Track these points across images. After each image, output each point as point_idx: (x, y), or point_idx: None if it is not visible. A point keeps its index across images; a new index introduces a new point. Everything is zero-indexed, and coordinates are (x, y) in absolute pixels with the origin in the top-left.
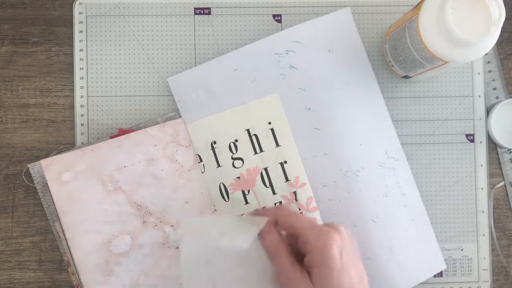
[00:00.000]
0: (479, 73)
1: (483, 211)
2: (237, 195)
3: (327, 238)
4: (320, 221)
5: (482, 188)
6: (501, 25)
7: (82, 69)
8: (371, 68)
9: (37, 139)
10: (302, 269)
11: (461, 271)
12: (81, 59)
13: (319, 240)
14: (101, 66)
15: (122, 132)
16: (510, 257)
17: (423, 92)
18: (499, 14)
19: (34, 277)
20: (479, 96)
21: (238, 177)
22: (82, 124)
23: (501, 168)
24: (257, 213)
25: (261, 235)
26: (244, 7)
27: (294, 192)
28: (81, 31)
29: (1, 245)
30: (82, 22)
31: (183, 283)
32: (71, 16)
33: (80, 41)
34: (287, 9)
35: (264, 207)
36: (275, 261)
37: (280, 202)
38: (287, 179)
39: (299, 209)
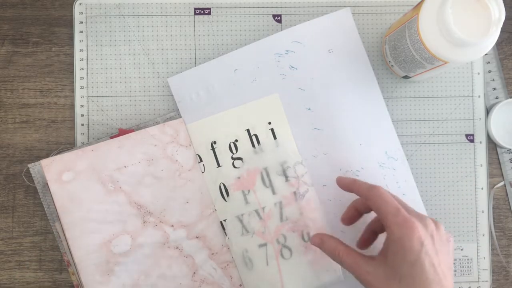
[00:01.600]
0: (479, 73)
1: (483, 211)
2: (237, 195)
3: (408, 229)
4: (320, 221)
5: (482, 188)
6: (501, 25)
7: (82, 69)
8: (371, 68)
9: (37, 139)
10: (363, 256)
11: (461, 271)
12: (81, 59)
13: (400, 229)
14: (101, 66)
15: (122, 132)
16: (510, 257)
17: (423, 92)
18: (499, 14)
19: (34, 277)
20: (479, 96)
21: (238, 177)
22: (82, 124)
23: (501, 168)
24: (348, 184)
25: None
26: (244, 7)
27: (294, 192)
28: (81, 31)
29: (1, 245)
30: (82, 22)
31: None
32: (71, 16)
33: (80, 41)
34: (287, 9)
35: (355, 180)
36: (335, 259)
37: (280, 202)
38: (287, 179)
39: (299, 209)
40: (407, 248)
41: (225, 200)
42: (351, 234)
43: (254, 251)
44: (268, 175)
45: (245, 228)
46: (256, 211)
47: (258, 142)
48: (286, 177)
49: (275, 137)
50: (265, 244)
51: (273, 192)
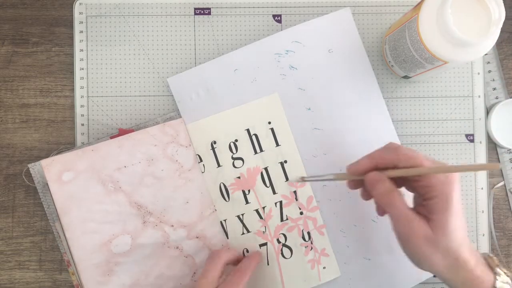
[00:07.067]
0: (479, 73)
1: (483, 211)
2: (237, 195)
3: (452, 184)
4: (320, 221)
5: (482, 188)
6: (501, 25)
7: (82, 69)
8: (371, 68)
9: (37, 139)
10: (418, 214)
11: None
12: (81, 59)
13: (445, 186)
14: (101, 66)
15: (122, 132)
16: (510, 257)
17: (423, 92)
18: (499, 14)
19: (35, 277)
20: (479, 96)
21: (239, 177)
22: (82, 124)
23: (501, 168)
24: (372, 158)
25: (369, 184)
26: (244, 7)
27: (295, 192)
28: (81, 31)
29: (1, 245)
30: (82, 22)
31: None
32: (71, 16)
33: (80, 41)
34: (287, 9)
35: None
36: (390, 209)
37: (281, 202)
38: (287, 179)
39: (299, 209)
40: (454, 204)
41: (226, 200)
42: (351, 235)
43: (255, 250)
44: (268, 174)
45: (246, 227)
46: (257, 211)
47: (258, 142)
48: (286, 176)
49: (275, 137)
50: (265, 244)
51: (274, 192)
